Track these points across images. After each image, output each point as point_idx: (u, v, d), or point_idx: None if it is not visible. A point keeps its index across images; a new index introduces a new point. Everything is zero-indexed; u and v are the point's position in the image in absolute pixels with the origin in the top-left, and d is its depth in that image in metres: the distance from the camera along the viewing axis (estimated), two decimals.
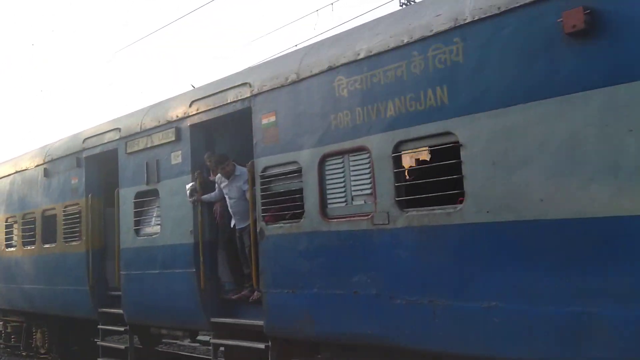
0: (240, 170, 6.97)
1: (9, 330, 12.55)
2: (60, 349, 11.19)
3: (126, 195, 8.58)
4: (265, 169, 6.44)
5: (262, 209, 6.41)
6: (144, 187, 8.26)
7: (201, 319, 7.26)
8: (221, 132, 7.76)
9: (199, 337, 9.63)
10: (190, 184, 7.33)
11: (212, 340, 7.10)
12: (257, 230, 6.45)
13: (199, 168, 7.49)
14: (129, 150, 8.55)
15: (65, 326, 11.23)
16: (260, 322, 6.46)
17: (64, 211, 9.99)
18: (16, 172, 11.67)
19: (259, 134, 6.51)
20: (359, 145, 5.46)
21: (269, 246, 6.32)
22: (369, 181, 5.41)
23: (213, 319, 7.16)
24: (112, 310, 9.05)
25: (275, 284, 6.23)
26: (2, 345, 12.93)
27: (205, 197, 7.31)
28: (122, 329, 8.75)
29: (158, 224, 8.00)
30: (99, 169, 9.67)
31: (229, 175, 6.96)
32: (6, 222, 11.94)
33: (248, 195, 6.73)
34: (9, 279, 11.76)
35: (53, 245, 10.27)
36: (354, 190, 5.56)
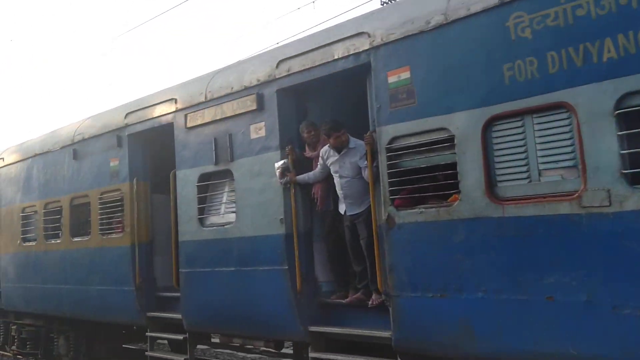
0: (356, 142, 5.58)
1: (23, 335, 11.02)
2: (87, 357, 9.74)
3: (186, 178, 7.16)
4: (393, 139, 5.07)
5: (391, 191, 5.05)
6: (210, 168, 6.85)
7: (295, 328, 5.88)
8: (315, 98, 6.36)
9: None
10: (281, 162, 5.95)
11: (313, 355, 5.72)
12: (383, 217, 5.08)
13: (289, 142, 6.10)
14: (190, 124, 7.13)
15: (92, 331, 9.81)
16: (386, 334, 5.11)
17: (101, 199, 8.54)
18: (35, 155, 10.17)
19: (384, 96, 5.14)
20: (554, 102, 4.12)
21: (401, 237, 4.96)
22: (570, 149, 4.07)
23: (312, 328, 5.79)
24: (164, 314, 7.64)
25: (412, 285, 4.87)
26: (15, 353, 11.41)
27: (302, 177, 5.92)
28: (179, 337, 7.33)
29: (232, 212, 6.60)
30: (146, 148, 8.23)
31: (341, 149, 5.57)
32: (22, 212, 10.44)
33: (366, 173, 5.36)
34: (26, 278, 10.26)
35: (86, 238, 8.82)
36: (542, 163, 4.21)
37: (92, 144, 8.85)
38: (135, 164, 8.13)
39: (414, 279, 4.85)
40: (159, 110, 7.69)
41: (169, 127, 7.52)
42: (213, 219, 6.89)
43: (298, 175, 5.94)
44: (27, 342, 10.94)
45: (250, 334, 6.54)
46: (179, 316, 7.29)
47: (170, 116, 7.49)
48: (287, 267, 5.88)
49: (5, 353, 11.76)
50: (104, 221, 8.50)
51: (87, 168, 8.87)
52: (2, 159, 11.24)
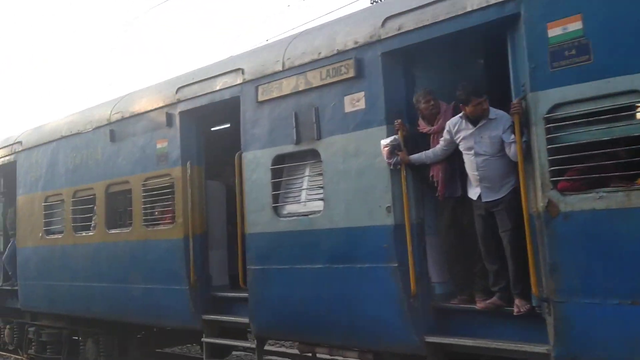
0: (496, 113, 4.58)
1: (43, 338, 9.95)
2: None
3: (257, 161, 6.14)
4: (555, 107, 4.09)
5: (552, 171, 4.07)
6: (288, 148, 5.85)
7: (407, 337, 4.88)
8: (423, 64, 5.35)
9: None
10: (390, 139, 4.95)
11: None
12: (540, 204, 4.10)
13: (397, 115, 5.10)
14: (262, 98, 6.12)
15: (125, 334, 8.79)
16: (540, 348, 4.13)
17: (145, 185, 7.50)
18: (61, 137, 9.10)
19: (541, 54, 4.15)
20: None
21: (569, 228, 3.98)
22: None
23: (430, 338, 4.80)
24: (227, 318, 6.62)
25: (586, 289, 3.89)
26: (31, 358, 10.33)
27: (417, 156, 4.93)
28: (247, 343, 6.32)
29: (318, 199, 5.60)
30: (200, 127, 7.20)
31: (479, 120, 4.57)
32: (46, 201, 9.36)
33: (512, 150, 4.37)
34: (49, 275, 9.19)
35: (126, 230, 7.77)
36: None
37: (133, 123, 7.80)
38: (188, 146, 7.10)
39: (589, 281, 3.87)
40: (220, 83, 6.67)
41: (233, 102, 6.50)
42: (291, 208, 5.88)
43: (412, 154, 4.94)
44: (48, 346, 9.87)
45: (340, 342, 5.53)
46: (244, 320, 6.28)
47: (235, 89, 6.47)
48: (396, 265, 4.89)
49: (20, 357, 10.69)
50: (149, 211, 7.46)
51: (128, 151, 7.82)
52: (20, 142, 10.16)
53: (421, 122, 5.06)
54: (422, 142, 5.04)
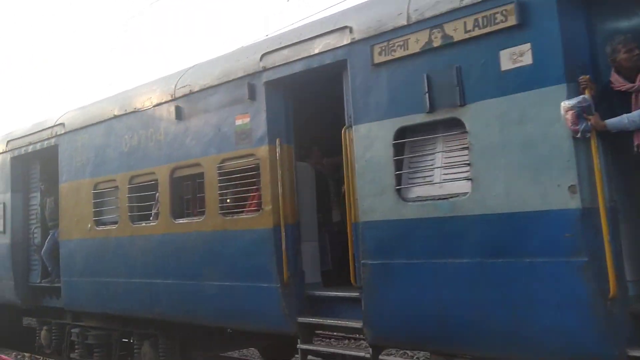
0: None
1: (89, 341, 8.98)
2: None
3: (372, 135, 5.12)
4: None
5: None
6: (417, 118, 4.84)
7: (605, 353, 3.86)
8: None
9: None
10: (576, 100, 3.93)
11: None
12: None
13: (580, 71, 4.07)
14: (379, 60, 5.10)
15: (187, 336, 7.82)
16: None
17: (221, 168, 6.50)
18: (114, 117, 8.12)
19: None
20: None
21: None
22: None
23: (633, 352, 3.78)
24: (330, 321, 5.62)
25: None
26: None
27: (617, 120, 3.91)
28: (362, 353, 5.31)
29: (463, 179, 4.58)
30: (290, 99, 6.19)
31: None
32: (95, 189, 8.38)
33: None
34: (99, 270, 8.22)
35: (197, 220, 6.78)
36: None
37: (204, 98, 6.80)
38: (276, 121, 6.09)
39: None
40: (319, 46, 5.65)
41: (335, 67, 5.49)
42: (421, 190, 4.85)
43: (608, 119, 3.91)
44: (95, 349, 8.91)
45: (495, 355, 4.50)
46: (355, 324, 5.28)
47: (340, 51, 5.45)
48: (586, 259, 3.87)
49: None
50: (227, 197, 6.47)
51: (198, 129, 6.82)
52: (63, 124, 9.19)
53: (616, 78, 4.02)
54: (618, 103, 4.01)
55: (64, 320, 9.80)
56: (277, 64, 6.02)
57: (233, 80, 6.43)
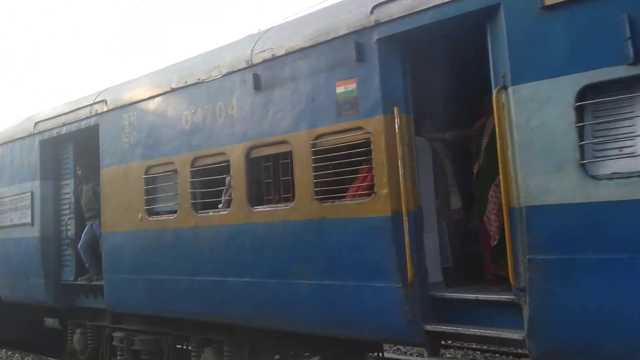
0: None
1: (136, 346, 7.91)
2: None
3: (542, 96, 4.08)
4: None
5: None
6: (614, 72, 3.80)
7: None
8: None
9: None
10: None
11: None
12: None
13: None
14: (551, 1, 4.05)
15: (255, 340, 6.78)
16: None
17: (316, 145, 5.44)
18: (171, 90, 7.04)
19: None
20: None
21: None
22: None
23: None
24: (475, 330, 4.57)
25: None
26: None
27: None
28: None
29: None
30: (407, 60, 5.13)
31: None
32: (147, 173, 7.31)
33: None
34: (153, 267, 7.15)
35: (284, 207, 5.72)
36: None
37: (292, 63, 5.73)
38: (393, 87, 5.04)
39: None
40: None
41: (483, 14, 4.44)
42: (620, 165, 3.81)
43: None
44: (143, 356, 7.85)
45: None
46: (512, 335, 4.24)
47: None
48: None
49: None
50: (323, 179, 5.42)
51: (284, 101, 5.77)
52: (104, 101, 8.11)
53: None
54: None
55: (100, 322, 8.76)
56: (395, 17, 4.96)
57: (332, 39, 5.37)
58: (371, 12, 5.12)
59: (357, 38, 5.17)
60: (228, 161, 6.28)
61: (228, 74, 6.34)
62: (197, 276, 6.59)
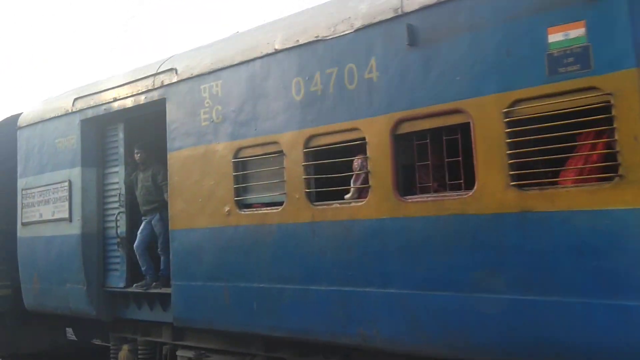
0: None
1: None
2: None
3: None
4: None
5: None
6: None
7: None
8: None
9: None
10: None
11: None
12: None
13: None
14: None
15: None
16: None
17: (511, 113, 4.08)
18: (274, 52, 5.62)
19: None
20: None
21: None
22: None
23: None
24: None
25: None
26: None
27: None
28: None
29: None
30: None
31: None
32: (236, 156, 5.88)
33: None
34: (245, 272, 5.72)
35: (457, 197, 4.34)
36: None
37: (470, 7, 4.37)
38: None
39: None
40: None
41: None
42: None
43: None
44: None
45: None
46: None
47: None
48: None
49: None
50: (523, 159, 4.06)
51: (456, 57, 4.40)
52: (174, 70, 6.66)
53: None
54: None
55: (154, 337, 7.31)
56: None
57: None
58: None
59: None
60: (364, 139, 4.89)
61: (364, 27, 4.95)
62: (313, 285, 5.18)
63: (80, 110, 7.75)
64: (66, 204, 7.79)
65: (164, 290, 6.78)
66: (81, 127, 7.71)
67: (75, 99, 7.88)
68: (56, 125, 8.11)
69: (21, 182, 8.61)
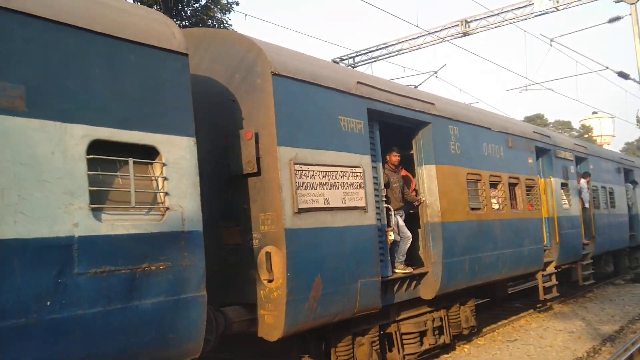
0: None
1: None
2: None
3: None
4: None
5: None
6: None
7: None
8: None
9: None
10: None
11: None
12: None
13: None
14: None
15: None
16: None
17: None
18: (484, 127, 10.15)
19: None
20: None
21: None
22: None
23: None
24: None
25: None
26: None
27: None
28: None
29: None
30: None
31: None
32: (467, 178, 9.67)
33: None
34: (476, 249, 9.59)
35: None
36: None
37: None
38: None
39: None
40: None
41: None
42: None
43: None
44: None
45: None
46: None
47: None
48: None
49: None
50: None
51: None
52: (434, 105, 9.07)
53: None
54: None
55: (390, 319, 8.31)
56: None
57: None
58: None
59: None
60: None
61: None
62: (496, 251, 10.38)
63: (367, 99, 7.54)
64: (362, 191, 7.21)
65: (422, 269, 8.56)
66: (369, 115, 7.54)
67: (359, 82, 7.45)
68: (338, 100, 7.03)
69: (286, 152, 6.24)
